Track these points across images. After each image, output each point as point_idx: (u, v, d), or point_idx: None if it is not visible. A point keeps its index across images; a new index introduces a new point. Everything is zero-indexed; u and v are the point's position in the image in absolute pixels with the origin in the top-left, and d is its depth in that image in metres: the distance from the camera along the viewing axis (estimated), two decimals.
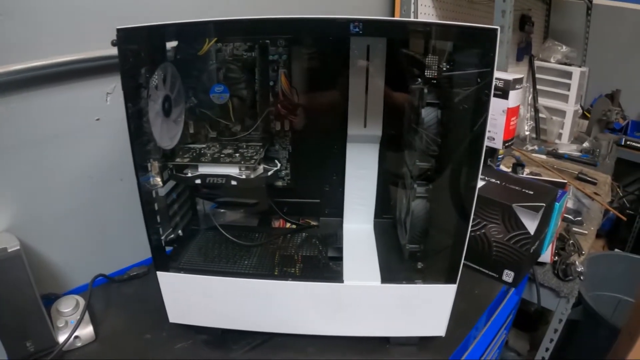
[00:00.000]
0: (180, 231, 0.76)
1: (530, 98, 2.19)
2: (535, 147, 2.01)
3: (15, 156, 0.72)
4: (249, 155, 0.67)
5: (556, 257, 1.14)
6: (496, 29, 0.48)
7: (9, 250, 0.63)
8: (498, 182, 0.91)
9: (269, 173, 0.67)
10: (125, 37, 0.53)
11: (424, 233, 0.64)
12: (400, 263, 0.67)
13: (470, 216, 0.55)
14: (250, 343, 0.69)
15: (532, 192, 0.85)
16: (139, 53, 0.57)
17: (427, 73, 0.59)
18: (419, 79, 0.62)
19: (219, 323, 0.68)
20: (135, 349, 0.69)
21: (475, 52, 0.52)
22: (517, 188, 0.88)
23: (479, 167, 0.53)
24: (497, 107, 1.02)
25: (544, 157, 1.94)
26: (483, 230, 0.86)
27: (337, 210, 0.80)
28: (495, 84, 1.01)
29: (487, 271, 0.88)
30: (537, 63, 2.14)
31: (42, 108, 0.72)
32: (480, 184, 0.89)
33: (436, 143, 0.59)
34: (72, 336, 0.68)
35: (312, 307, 0.64)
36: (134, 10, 0.78)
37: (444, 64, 0.56)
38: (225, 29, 0.55)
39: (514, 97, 1.01)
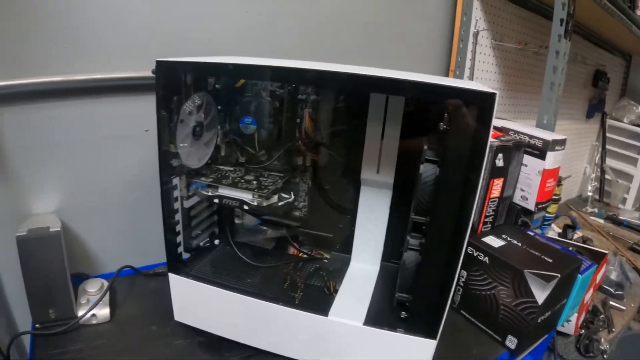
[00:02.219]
0: (201, 241, 0.84)
1: (597, 158, 2.09)
2: (595, 210, 1.91)
3: (73, 151, 0.85)
4: (266, 184, 0.73)
5: (582, 330, 1.08)
6: (494, 94, 0.49)
7: (51, 230, 0.74)
8: (519, 244, 0.89)
9: (280, 203, 0.72)
10: (163, 69, 0.61)
11: (413, 284, 0.65)
12: (389, 310, 0.69)
13: (454, 278, 0.57)
14: (241, 354, 0.73)
15: (551, 260, 0.83)
16: (175, 82, 0.65)
17: (430, 130, 0.61)
18: (424, 135, 0.64)
19: (216, 330, 0.74)
20: (140, 337, 0.77)
21: (473, 115, 0.53)
22: (536, 253, 0.85)
23: (465, 233, 0.55)
24: (532, 167, 1.00)
25: (602, 221, 1.83)
26: (493, 292, 0.84)
27: (348, 248, 0.83)
28: (534, 143, 1.00)
29: (491, 332, 0.86)
30: (608, 122, 2.04)
31: (104, 114, 0.85)
32: (499, 243, 0.88)
33: (432, 199, 0.60)
34: (90, 313, 0.77)
35: (297, 334, 0.67)
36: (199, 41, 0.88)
37: (443, 123, 0.57)
38: (251, 72, 0.62)
39: (553, 159, 0.99)
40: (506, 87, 1.53)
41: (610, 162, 2.05)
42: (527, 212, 1.07)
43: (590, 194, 2.05)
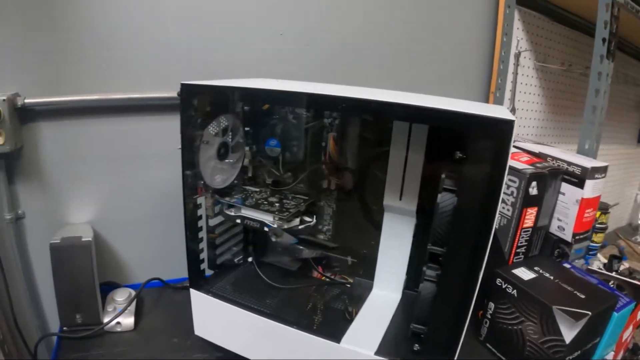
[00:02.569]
0: (225, 258, 0.85)
1: None
2: None
3: (108, 166, 0.90)
4: (288, 206, 0.73)
5: None
6: (512, 121, 0.47)
7: (83, 240, 0.79)
8: (552, 277, 0.85)
9: (301, 227, 0.73)
10: (187, 91, 0.63)
11: (429, 315, 0.63)
12: (404, 340, 0.67)
13: (468, 312, 0.55)
14: None
15: (583, 296, 0.78)
16: (201, 105, 0.67)
17: (449, 158, 0.59)
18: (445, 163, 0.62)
19: (233, 347, 0.75)
20: (161, 348, 0.79)
21: (490, 142, 0.51)
22: (569, 288, 0.81)
23: (481, 265, 0.53)
24: (570, 196, 0.95)
25: None
26: (520, 327, 0.81)
27: (371, 274, 0.81)
28: (572, 171, 0.95)
29: None
30: None
31: (137, 131, 0.90)
32: (530, 276, 0.84)
33: (450, 229, 0.59)
34: (115, 321, 0.81)
35: (310, 358, 0.67)
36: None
37: (459, 151, 0.56)
38: (268, 97, 0.63)
39: (592, 187, 0.93)
40: (550, 110, 1.47)
41: None
42: (565, 243, 1.02)
43: None
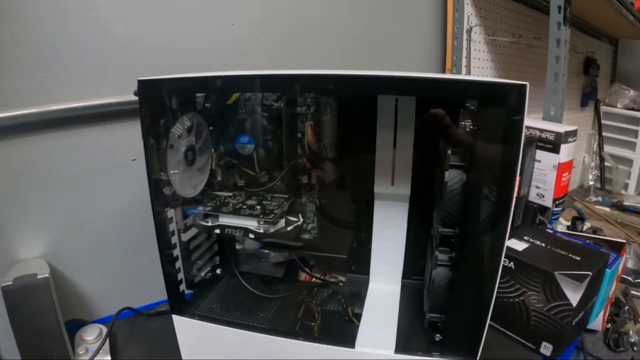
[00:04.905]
0: (203, 274, 0.77)
1: (595, 146, 2.06)
2: (599, 199, 1.88)
3: (56, 188, 0.78)
4: (270, 208, 0.66)
5: (609, 325, 1.03)
6: (525, 85, 0.44)
7: (38, 277, 0.69)
8: (543, 245, 0.84)
9: (289, 228, 0.66)
10: (146, 88, 0.55)
11: (445, 302, 0.59)
12: (420, 332, 0.63)
13: (494, 289, 0.51)
14: None
15: (579, 258, 0.78)
16: (161, 103, 0.59)
17: (453, 132, 0.56)
18: (446, 138, 0.59)
19: None
20: None
21: (503, 110, 0.48)
22: (563, 253, 0.81)
23: (503, 241, 0.49)
24: (547, 162, 0.95)
25: (607, 209, 1.80)
26: (522, 298, 0.79)
27: (365, 268, 0.76)
28: (546, 137, 0.95)
29: (524, 341, 0.81)
30: (603, 108, 2.02)
31: (85, 145, 0.79)
32: (523, 246, 0.83)
33: (461, 208, 0.55)
34: None
35: None
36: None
37: (469, 122, 0.52)
38: (241, 84, 0.57)
39: (566, 151, 0.94)
40: None
41: (608, 148, 2.03)
42: (543, 210, 1.02)
43: (592, 183, 2.02)
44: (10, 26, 0.68)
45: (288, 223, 0.67)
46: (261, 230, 0.62)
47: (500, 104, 0.48)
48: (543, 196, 0.98)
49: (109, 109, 0.77)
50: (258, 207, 0.67)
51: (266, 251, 0.80)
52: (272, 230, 0.64)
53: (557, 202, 0.98)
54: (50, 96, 0.71)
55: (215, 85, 0.61)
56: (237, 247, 0.82)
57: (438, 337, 0.60)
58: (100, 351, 0.72)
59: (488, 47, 1.39)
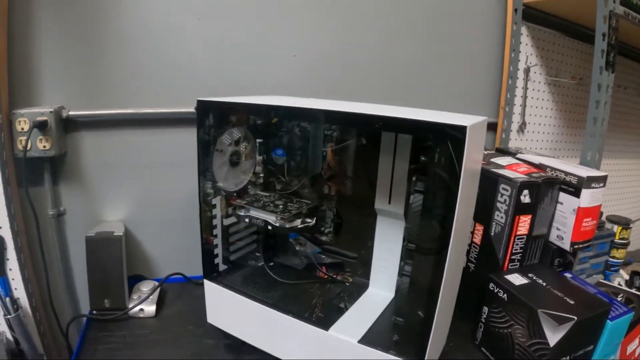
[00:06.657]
0: (239, 255, 0.95)
1: None
2: None
3: (138, 172, 1.03)
4: (290, 208, 0.82)
5: None
6: (465, 127, 0.51)
7: (115, 234, 0.91)
8: (544, 284, 0.87)
9: (300, 226, 0.81)
10: (203, 106, 0.74)
11: (408, 308, 0.69)
12: (390, 332, 0.73)
13: (437, 303, 0.60)
14: (257, 358, 0.81)
15: (572, 302, 0.80)
16: (216, 118, 0.78)
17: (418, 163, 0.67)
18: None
19: (238, 334, 0.84)
20: (177, 333, 0.89)
21: (446, 147, 0.55)
22: (559, 294, 0.83)
23: (444, 262, 0.57)
24: (568, 205, 0.98)
25: None
26: (510, 330, 0.84)
27: (368, 274, 0.88)
28: (569, 180, 0.97)
29: None
30: None
31: (163, 142, 1.04)
32: (521, 281, 0.87)
33: (420, 229, 0.65)
34: (138, 307, 0.92)
35: (302, 345, 0.75)
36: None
37: (422, 155, 0.63)
38: (268, 111, 0.76)
39: (589, 196, 0.95)
40: (562, 124, 1.49)
41: None
42: (564, 252, 1.04)
43: None
44: (119, 49, 0.95)
45: (303, 223, 0.82)
46: (277, 224, 0.78)
47: (443, 142, 0.56)
48: (562, 238, 1.01)
49: (184, 116, 1.02)
50: (282, 206, 0.82)
51: (323, 256, 0.94)
52: (287, 225, 0.79)
53: (576, 246, 1.00)
54: (142, 101, 0.96)
55: (251, 110, 0.79)
56: (297, 248, 0.97)
57: (396, 337, 0.70)
58: (149, 300, 0.93)
59: (549, 87, 1.40)
